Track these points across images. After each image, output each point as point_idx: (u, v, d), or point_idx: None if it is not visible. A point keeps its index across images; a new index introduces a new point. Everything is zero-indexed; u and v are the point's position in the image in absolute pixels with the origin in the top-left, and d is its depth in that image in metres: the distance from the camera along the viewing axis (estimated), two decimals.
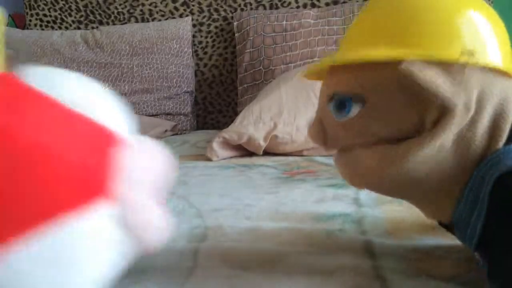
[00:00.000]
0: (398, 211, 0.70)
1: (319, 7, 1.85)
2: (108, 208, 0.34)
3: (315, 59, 1.69)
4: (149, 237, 0.38)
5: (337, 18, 1.75)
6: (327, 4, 1.86)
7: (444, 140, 0.41)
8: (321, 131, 0.48)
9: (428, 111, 0.41)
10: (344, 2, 1.84)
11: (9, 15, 2.18)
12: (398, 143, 0.42)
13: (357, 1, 1.79)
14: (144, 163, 0.39)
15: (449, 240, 0.57)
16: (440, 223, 0.53)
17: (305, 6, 1.87)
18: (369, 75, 0.43)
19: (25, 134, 0.30)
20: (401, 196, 0.48)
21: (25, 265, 0.30)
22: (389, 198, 0.76)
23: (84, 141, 0.33)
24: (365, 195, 0.80)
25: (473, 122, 0.41)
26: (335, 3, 1.85)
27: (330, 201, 0.79)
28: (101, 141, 0.35)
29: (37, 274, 0.31)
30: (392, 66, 0.41)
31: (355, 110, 0.44)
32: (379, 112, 0.43)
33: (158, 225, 0.39)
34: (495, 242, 0.41)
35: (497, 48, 0.43)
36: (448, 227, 0.50)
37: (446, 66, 0.40)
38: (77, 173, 0.32)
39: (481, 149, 0.42)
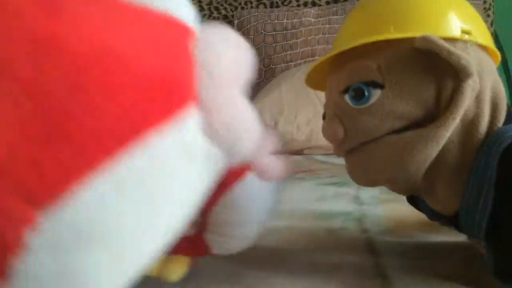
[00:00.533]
0: (399, 209, 0.70)
1: (319, 5, 1.85)
2: (196, 116, 0.28)
3: (315, 57, 1.69)
4: (244, 143, 0.31)
5: (337, 17, 1.74)
6: (327, 3, 1.86)
7: (459, 116, 0.41)
8: (339, 126, 0.46)
9: (443, 86, 0.42)
10: (345, 1, 1.84)
11: None
12: (423, 128, 0.42)
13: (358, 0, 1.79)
14: (226, 54, 0.32)
15: (451, 238, 0.57)
16: (441, 222, 0.53)
17: (305, 4, 1.87)
18: (385, 56, 0.43)
19: (82, 40, 0.23)
20: (413, 188, 0.47)
21: (110, 189, 0.25)
22: (390, 196, 0.76)
23: (156, 37, 0.27)
24: (366, 193, 0.80)
25: (479, 97, 0.42)
26: (336, 1, 1.85)
27: (331, 199, 0.78)
28: (175, 34, 0.28)
29: (123, 199, 0.25)
30: (407, 42, 0.42)
31: (375, 94, 0.43)
32: (400, 90, 0.43)
33: (252, 127, 0.32)
34: (506, 223, 0.41)
35: (484, 31, 0.46)
36: (451, 221, 0.49)
37: (452, 45, 0.42)
38: (157, 78, 0.25)
39: (487, 127, 0.43)
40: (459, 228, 0.47)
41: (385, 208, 0.71)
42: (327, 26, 1.72)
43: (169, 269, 0.46)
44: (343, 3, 1.79)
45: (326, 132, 0.48)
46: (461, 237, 0.53)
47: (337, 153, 0.49)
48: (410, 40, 0.42)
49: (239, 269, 0.52)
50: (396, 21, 0.44)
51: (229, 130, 0.30)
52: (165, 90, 0.26)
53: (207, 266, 0.53)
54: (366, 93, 0.43)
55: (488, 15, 1.80)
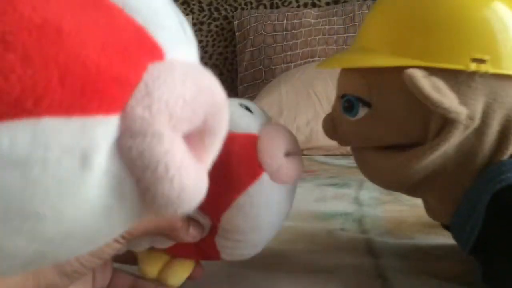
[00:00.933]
0: (399, 210, 0.70)
1: (319, 6, 1.85)
2: (112, 131, 0.23)
3: (315, 58, 1.69)
4: (167, 188, 0.23)
5: (337, 18, 1.75)
6: (327, 4, 1.86)
7: (447, 148, 0.40)
8: (330, 128, 0.48)
9: (432, 119, 0.40)
10: (344, 2, 1.84)
11: None
12: (402, 151, 0.42)
13: (358, 1, 1.79)
14: (183, 90, 0.24)
15: (451, 240, 0.57)
16: (442, 224, 0.53)
17: (305, 5, 1.87)
18: (376, 80, 0.42)
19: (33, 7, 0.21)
20: (410, 194, 0.48)
21: None
22: (390, 197, 0.76)
23: (115, 36, 0.24)
24: (366, 194, 0.80)
25: (481, 130, 0.40)
26: (336, 2, 1.85)
27: (331, 200, 0.79)
28: (137, 45, 0.25)
29: None
30: (398, 72, 0.39)
31: (362, 112, 0.43)
32: (384, 117, 0.42)
33: (184, 176, 0.23)
34: (489, 248, 0.41)
35: (509, 55, 0.40)
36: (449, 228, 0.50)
37: (454, 75, 0.39)
38: (88, 68, 0.22)
39: (488, 157, 0.41)
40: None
41: (385, 209, 0.72)
42: (327, 27, 1.72)
43: (170, 273, 0.45)
44: (343, 4, 1.79)
45: (322, 126, 0.50)
46: None
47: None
48: (402, 69, 0.39)
49: (239, 270, 0.52)
50: (393, 44, 0.41)
51: (154, 168, 0.23)
52: (85, 84, 0.22)
53: (207, 266, 0.53)
54: (355, 108, 0.44)
55: None
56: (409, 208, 0.70)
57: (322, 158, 1.18)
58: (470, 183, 0.42)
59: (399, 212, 0.69)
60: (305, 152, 1.24)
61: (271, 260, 0.54)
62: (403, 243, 0.58)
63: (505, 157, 0.41)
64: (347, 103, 0.44)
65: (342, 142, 0.49)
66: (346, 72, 0.46)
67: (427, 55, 0.39)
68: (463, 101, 0.38)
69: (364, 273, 0.50)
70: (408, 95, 0.39)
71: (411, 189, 0.45)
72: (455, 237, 0.46)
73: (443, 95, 0.38)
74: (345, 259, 0.53)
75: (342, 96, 0.45)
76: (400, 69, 0.39)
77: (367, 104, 0.43)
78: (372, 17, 0.46)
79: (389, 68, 0.40)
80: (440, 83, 0.38)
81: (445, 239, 0.58)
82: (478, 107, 0.39)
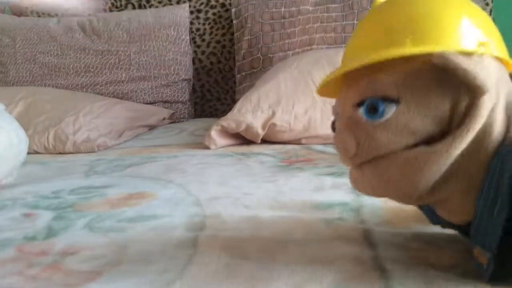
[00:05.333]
0: None
1: None
2: None
3: (313, 46, 1.68)
4: None
5: (336, 5, 1.73)
6: None
7: (476, 129, 0.41)
8: (351, 140, 0.45)
9: (460, 96, 0.42)
10: None
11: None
12: (435, 144, 0.42)
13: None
14: None
15: (448, 229, 0.57)
16: (447, 227, 0.52)
17: None
18: (401, 70, 0.43)
19: None
20: (421, 202, 0.47)
21: None
22: None
23: None
24: None
25: (493, 108, 0.42)
26: None
27: (329, 189, 0.78)
28: None
29: None
30: (423, 59, 0.42)
31: (389, 110, 0.43)
32: (416, 105, 0.42)
33: None
34: None
35: (499, 41, 0.46)
36: (460, 229, 0.49)
37: (468, 58, 0.42)
38: None
39: (500, 137, 0.42)
40: (468, 236, 0.47)
41: (383, 199, 0.71)
42: (325, 14, 1.71)
43: None
44: None
45: (338, 144, 0.47)
46: None
47: (345, 164, 0.49)
48: (427, 54, 0.41)
49: (237, 260, 0.52)
50: (413, 34, 0.43)
51: None
52: None
53: (204, 257, 0.53)
54: (381, 108, 0.43)
55: (487, 4, 1.79)
56: None
57: (320, 147, 1.18)
58: (487, 167, 0.42)
59: (397, 202, 0.69)
60: (303, 141, 1.23)
61: (269, 250, 0.54)
62: (402, 233, 0.58)
63: None
64: (371, 106, 0.44)
65: (360, 153, 0.45)
66: (360, 76, 0.45)
67: (443, 42, 0.42)
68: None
69: (362, 263, 0.50)
70: (435, 78, 0.42)
71: (424, 196, 0.44)
72: (476, 234, 0.44)
73: (472, 68, 0.41)
74: (343, 249, 0.53)
75: (359, 104, 0.45)
76: (425, 57, 0.42)
77: (395, 101, 0.43)
78: (376, 18, 0.47)
79: (411, 57, 0.42)
80: (466, 62, 0.41)
81: (444, 229, 0.58)
82: (492, 85, 0.42)
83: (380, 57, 0.43)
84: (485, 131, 0.42)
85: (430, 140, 0.43)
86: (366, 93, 0.44)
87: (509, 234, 0.41)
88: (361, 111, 0.44)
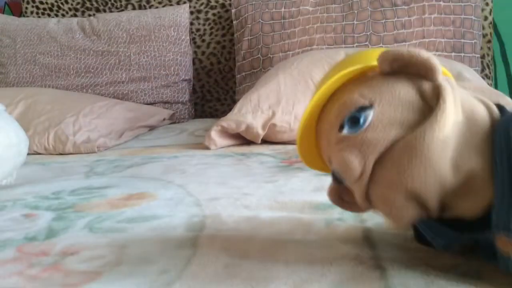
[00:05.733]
0: None
1: None
2: None
3: (313, 46, 1.69)
4: None
5: (336, 5, 1.73)
6: None
7: (453, 113, 0.43)
8: (352, 154, 0.45)
9: (421, 82, 0.46)
10: None
11: (5, 3, 2.16)
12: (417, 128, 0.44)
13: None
14: None
15: None
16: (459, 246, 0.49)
17: None
18: (362, 85, 0.48)
19: None
20: (455, 184, 0.44)
21: None
22: None
23: None
24: None
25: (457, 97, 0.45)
26: None
27: None
28: None
29: None
30: (371, 72, 0.49)
31: (368, 115, 0.46)
32: (388, 102, 0.46)
33: None
34: None
35: None
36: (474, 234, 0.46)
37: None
38: None
39: (488, 119, 0.44)
40: (481, 249, 0.46)
41: None
42: (325, 15, 1.71)
43: None
44: None
45: (341, 168, 0.47)
46: None
47: (360, 208, 0.50)
48: (370, 67, 0.48)
49: (236, 260, 0.52)
50: (352, 64, 0.49)
51: None
52: None
53: (204, 257, 0.53)
54: (361, 117, 0.46)
55: (487, 4, 1.79)
56: None
57: None
58: (490, 140, 0.43)
59: None
60: None
61: (268, 250, 0.54)
62: (401, 233, 0.58)
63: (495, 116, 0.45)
64: (351, 121, 0.46)
65: (366, 166, 0.45)
66: (330, 112, 0.50)
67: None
68: None
69: (362, 263, 0.50)
70: (393, 77, 0.47)
71: (455, 170, 0.43)
72: (500, 218, 0.42)
73: (419, 52, 0.46)
74: (342, 250, 0.53)
75: (341, 127, 0.47)
76: (372, 70, 0.49)
77: (369, 107, 0.46)
78: (328, 75, 0.54)
79: (363, 77, 0.49)
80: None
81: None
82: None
83: (335, 79, 0.49)
84: (471, 112, 0.44)
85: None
86: (342, 116, 0.47)
87: None
88: (345, 130, 0.47)
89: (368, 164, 0.45)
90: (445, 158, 0.42)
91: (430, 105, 0.44)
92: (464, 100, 0.45)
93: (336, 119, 0.48)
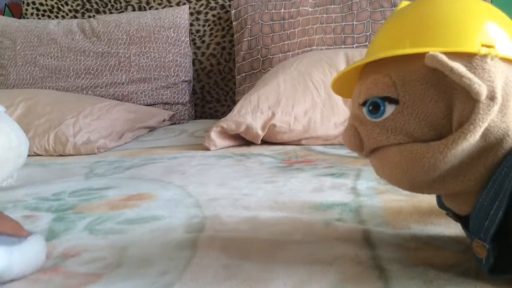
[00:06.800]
0: (396, 200, 0.70)
1: None
2: None
3: (313, 47, 1.69)
4: None
5: (335, 6, 1.73)
6: None
7: (476, 134, 0.41)
8: (355, 136, 0.48)
9: (455, 103, 0.42)
10: None
11: (6, 5, 2.17)
12: (430, 142, 0.43)
13: None
14: None
15: (448, 229, 0.57)
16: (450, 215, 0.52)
17: None
18: (400, 73, 0.44)
19: None
20: (437, 190, 0.47)
21: None
22: (387, 187, 0.76)
23: None
24: (363, 184, 0.80)
25: (505, 112, 0.42)
26: None
27: (328, 190, 0.78)
28: None
29: None
30: (421, 62, 0.42)
31: (389, 109, 0.45)
32: (412, 108, 0.44)
33: None
34: (509, 234, 0.41)
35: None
36: (460, 220, 0.50)
37: (469, 59, 0.42)
38: None
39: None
40: (466, 227, 0.48)
41: (382, 199, 0.71)
42: (324, 15, 1.71)
43: None
44: None
45: (344, 139, 0.50)
46: (457, 229, 0.53)
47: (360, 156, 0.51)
48: (424, 56, 0.42)
49: (236, 261, 0.52)
50: (412, 36, 0.44)
51: None
52: None
53: (204, 258, 0.53)
54: (382, 107, 0.45)
55: None
56: (406, 198, 0.70)
57: (320, 148, 1.18)
58: (495, 168, 0.43)
59: (396, 202, 0.69)
60: (302, 142, 1.23)
61: (268, 251, 0.54)
62: (401, 233, 0.58)
63: None
64: (373, 105, 0.46)
65: (366, 149, 0.48)
66: (367, 77, 0.47)
67: (443, 44, 0.42)
68: (481, 81, 0.41)
69: (362, 263, 0.50)
70: (433, 82, 0.43)
71: (436, 183, 0.45)
72: (475, 225, 0.45)
73: (464, 72, 0.41)
74: (342, 250, 0.53)
75: (364, 103, 0.47)
76: (421, 58, 0.42)
77: (394, 101, 0.44)
78: (389, 22, 0.48)
79: (412, 59, 0.43)
80: (459, 65, 0.41)
81: (443, 229, 0.58)
82: (496, 88, 0.41)
83: (375, 57, 0.45)
84: (497, 137, 0.42)
85: (428, 140, 0.44)
86: (369, 93, 0.46)
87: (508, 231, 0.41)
88: (364, 110, 0.46)
89: (367, 151, 0.48)
90: (437, 168, 0.43)
91: (452, 125, 0.43)
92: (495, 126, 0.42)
93: (365, 91, 0.47)
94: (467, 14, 0.44)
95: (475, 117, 0.41)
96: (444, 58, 0.41)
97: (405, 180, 0.46)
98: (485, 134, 0.42)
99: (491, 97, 0.41)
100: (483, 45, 0.42)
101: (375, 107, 0.45)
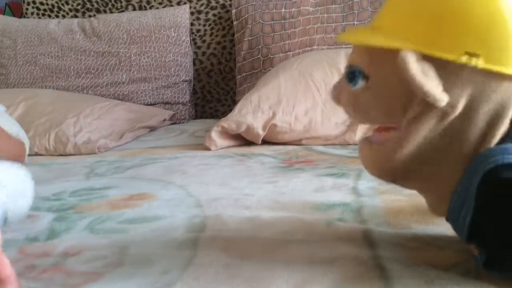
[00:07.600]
0: (397, 200, 0.70)
1: None
2: None
3: (314, 47, 1.69)
4: None
5: (336, 6, 1.73)
6: None
7: (426, 134, 0.43)
8: (336, 94, 0.51)
9: (412, 106, 0.44)
10: None
11: (6, 4, 2.17)
12: (382, 145, 0.47)
13: None
14: None
15: (449, 229, 0.57)
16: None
17: None
18: (377, 57, 0.46)
19: None
20: (401, 182, 0.50)
21: None
22: (388, 187, 0.76)
23: None
24: (364, 184, 0.80)
25: (467, 119, 0.43)
26: None
27: (329, 190, 0.78)
28: None
29: None
30: (396, 53, 0.43)
31: (361, 84, 0.47)
32: (377, 91, 0.46)
33: None
34: (485, 232, 0.43)
35: (505, 53, 0.42)
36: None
37: (445, 64, 0.42)
38: None
39: (475, 144, 0.43)
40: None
41: (383, 199, 0.71)
42: (325, 15, 1.71)
43: None
44: None
45: (331, 90, 0.53)
46: None
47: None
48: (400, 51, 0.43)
49: (237, 261, 0.52)
50: (398, 28, 0.46)
51: None
52: None
53: (205, 258, 0.53)
54: (356, 78, 0.47)
55: None
56: (407, 198, 0.70)
57: (321, 148, 1.18)
58: (461, 172, 0.44)
59: (397, 202, 0.69)
60: (303, 142, 1.23)
61: (269, 251, 0.55)
62: (401, 233, 0.58)
63: (492, 144, 0.44)
64: (351, 73, 0.48)
65: (345, 111, 0.51)
66: (357, 45, 0.50)
67: (425, 42, 0.42)
68: (449, 89, 0.42)
69: (362, 263, 0.50)
70: (400, 76, 0.43)
71: (403, 180, 0.48)
72: (453, 226, 0.46)
73: (429, 80, 0.41)
74: (343, 250, 0.53)
75: (349, 67, 0.49)
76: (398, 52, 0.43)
77: (366, 77, 0.47)
78: (389, 1, 0.51)
79: (390, 48, 0.44)
80: (429, 69, 0.42)
81: (443, 228, 0.58)
82: (463, 98, 0.42)
83: (355, 41, 0.49)
84: (459, 141, 0.43)
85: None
86: (352, 61, 0.49)
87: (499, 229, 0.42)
88: (346, 76, 0.49)
89: (348, 113, 0.51)
90: (397, 162, 0.46)
91: (406, 117, 0.45)
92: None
93: (351, 56, 0.49)
94: (467, 15, 0.43)
95: (425, 118, 0.43)
96: (412, 65, 0.41)
97: (376, 172, 0.50)
98: (443, 136, 0.43)
99: (452, 105, 0.42)
100: (467, 53, 0.41)
101: (352, 76, 0.48)
